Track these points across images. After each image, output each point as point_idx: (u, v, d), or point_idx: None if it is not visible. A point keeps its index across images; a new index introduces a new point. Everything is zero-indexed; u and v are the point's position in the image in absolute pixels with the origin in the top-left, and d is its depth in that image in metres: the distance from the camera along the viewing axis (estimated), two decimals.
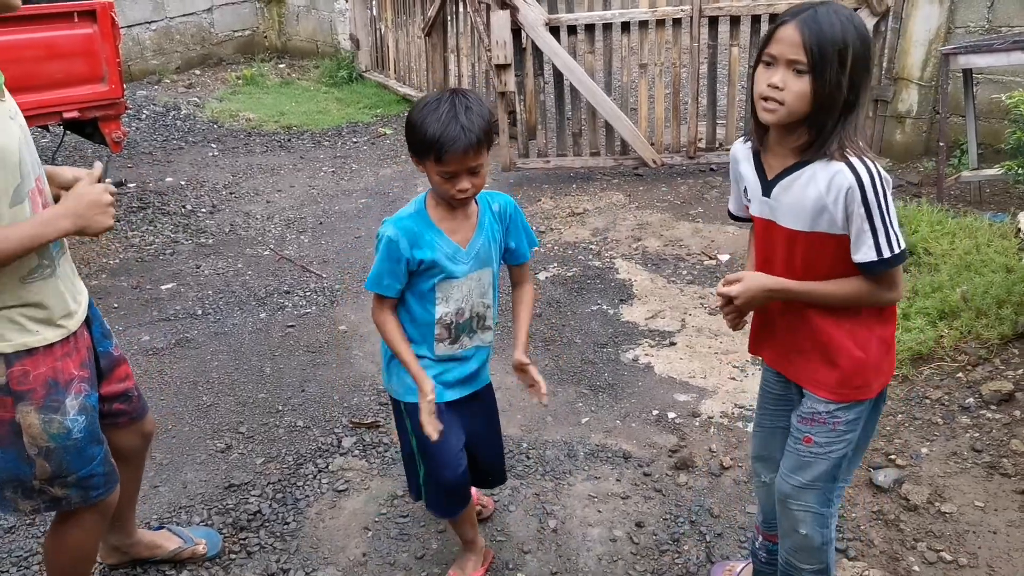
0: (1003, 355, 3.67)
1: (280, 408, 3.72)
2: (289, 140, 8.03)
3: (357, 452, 3.39)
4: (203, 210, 6.23)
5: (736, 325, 2.16)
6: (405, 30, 8.90)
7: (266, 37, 11.51)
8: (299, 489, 3.18)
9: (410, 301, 2.39)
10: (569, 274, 4.97)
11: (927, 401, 3.52)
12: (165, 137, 8.02)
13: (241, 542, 2.91)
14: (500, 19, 6.17)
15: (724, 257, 5.04)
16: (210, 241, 5.68)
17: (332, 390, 3.85)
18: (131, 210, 6.12)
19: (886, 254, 1.89)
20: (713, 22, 6.20)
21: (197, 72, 10.57)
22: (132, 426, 2.50)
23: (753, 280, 2.04)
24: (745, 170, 2.09)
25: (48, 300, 2.07)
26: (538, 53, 6.45)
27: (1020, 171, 4.57)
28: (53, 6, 5.34)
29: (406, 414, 2.50)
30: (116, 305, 4.71)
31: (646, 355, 4.07)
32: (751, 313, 2.16)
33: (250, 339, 4.35)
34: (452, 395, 2.48)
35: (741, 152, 2.12)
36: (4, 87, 2.02)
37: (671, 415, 3.58)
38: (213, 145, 7.85)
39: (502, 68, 6.32)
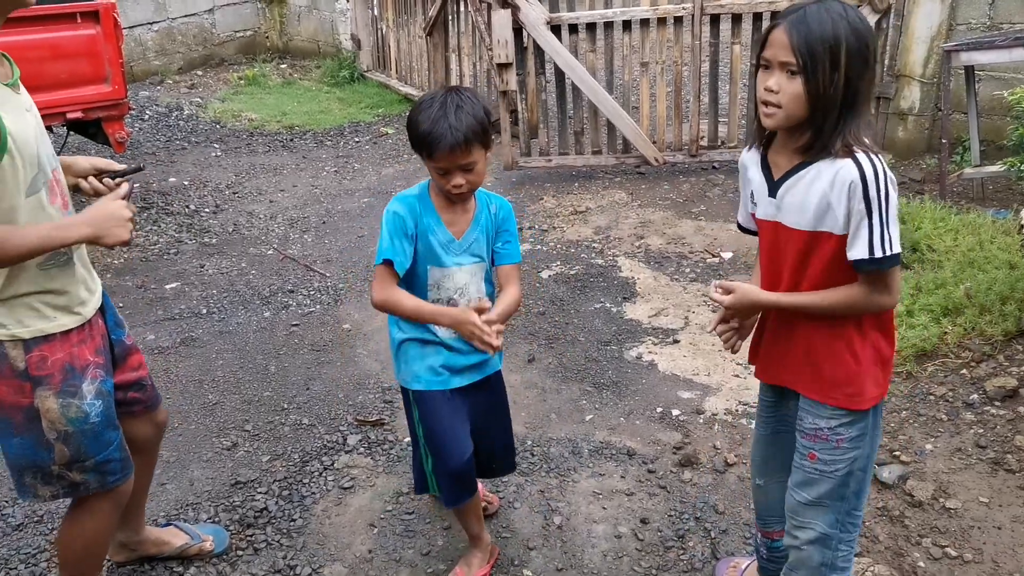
0: (1007, 351, 3.67)
1: (285, 406, 3.73)
2: (291, 140, 8.04)
3: (362, 450, 3.40)
4: (207, 210, 6.24)
5: (734, 348, 2.19)
6: (406, 30, 8.91)
7: (268, 37, 11.52)
8: (305, 486, 3.19)
9: (405, 285, 2.41)
10: (572, 272, 4.98)
11: (931, 397, 3.53)
12: (168, 137, 8.03)
13: (248, 539, 2.93)
14: (501, 18, 6.18)
15: (727, 255, 5.05)
16: (214, 241, 5.69)
17: (337, 388, 3.87)
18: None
19: (878, 254, 1.86)
20: (715, 20, 6.21)
21: (199, 73, 10.58)
22: (147, 415, 2.54)
23: (745, 295, 2.04)
24: (753, 174, 2.08)
25: (65, 287, 2.13)
26: (539, 52, 6.46)
27: (1023, 167, 4.58)
28: (56, 7, 5.35)
29: (414, 402, 2.53)
30: (121, 304, 4.72)
31: (650, 353, 4.08)
32: (749, 336, 2.19)
33: (255, 338, 4.36)
34: (460, 381, 2.50)
35: (749, 158, 2.11)
36: (20, 81, 2.08)
37: (675, 412, 3.59)
38: (216, 145, 7.87)
39: (504, 67, 6.33)
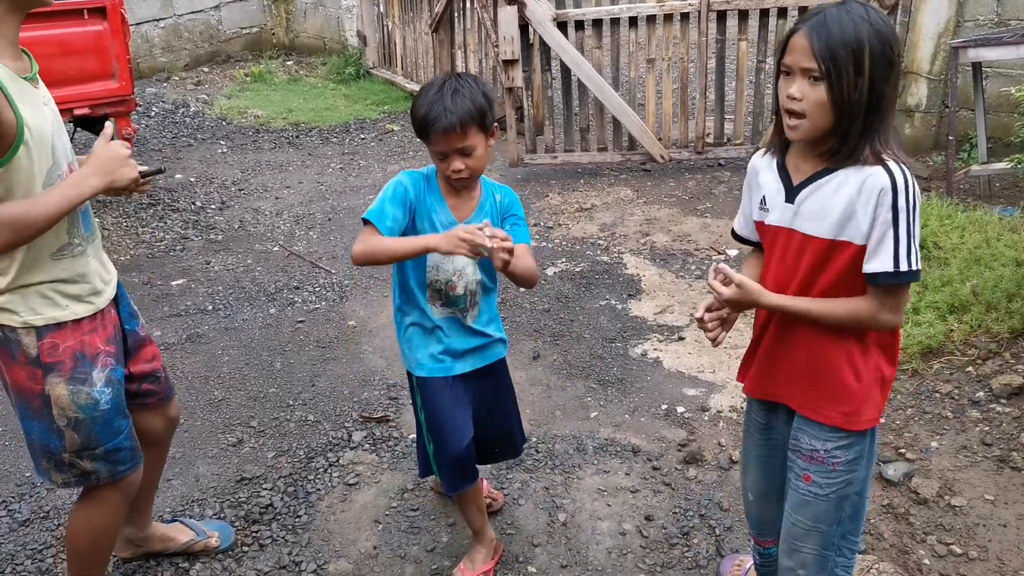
0: (1013, 349, 3.66)
1: (291, 403, 3.74)
2: (297, 137, 8.05)
3: (367, 446, 3.40)
4: (212, 206, 6.25)
5: (718, 341, 2.10)
6: (412, 26, 8.91)
7: (274, 34, 11.53)
8: (310, 483, 3.20)
9: (406, 263, 2.42)
10: (577, 269, 4.98)
11: (937, 395, 3.52)
12: (174, 134, 8.05)
13: (253, 535, 2.93)
14: (507, 15, 6.18)
15: (733, 252, 5.04)
16: (220, 237, 5.70)
17: (342, 385, 3.87)
18: (141, 207, 6.14)
19: (903, 267, 1.80)
20: (721, 16, 6.20)
21: (205, 69, 10.60)
22: (160, 408, 2.57)
23: (749, 292, 1.93)
24: (766, 179, 2.01)
25: (77, 276, 2.16)
26: (545, 49, 6.45)
27: None
28: (64, 3, 5.37)
29: (417, 387, 2.55)
30: None
31: (655, 350, 4.08)
32: (730, 332, 2.12)
33: (260, 334, 4.37)
34: (463, 368, 2.51)
35: (761, 163, 2.04)
36: (38, 76, 2.12)
37: (680, 409, 3.59)
38: (222, 142, 7.88)
39: (509, 64, 6.32)
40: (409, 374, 2.59)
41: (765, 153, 2.04)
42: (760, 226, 2.07)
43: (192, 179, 6.83)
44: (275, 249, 5.49)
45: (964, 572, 2.67)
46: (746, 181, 2.12)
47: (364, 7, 9.79)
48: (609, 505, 3.03)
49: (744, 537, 2.85)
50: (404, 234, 2.37)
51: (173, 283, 5.00)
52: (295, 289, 4.88)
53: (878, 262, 1.82)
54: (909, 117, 6.30)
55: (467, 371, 2.53)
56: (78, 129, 6.20)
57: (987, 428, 3.28)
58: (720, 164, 6.58)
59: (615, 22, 6.32)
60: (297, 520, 3.00)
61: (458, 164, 2.30)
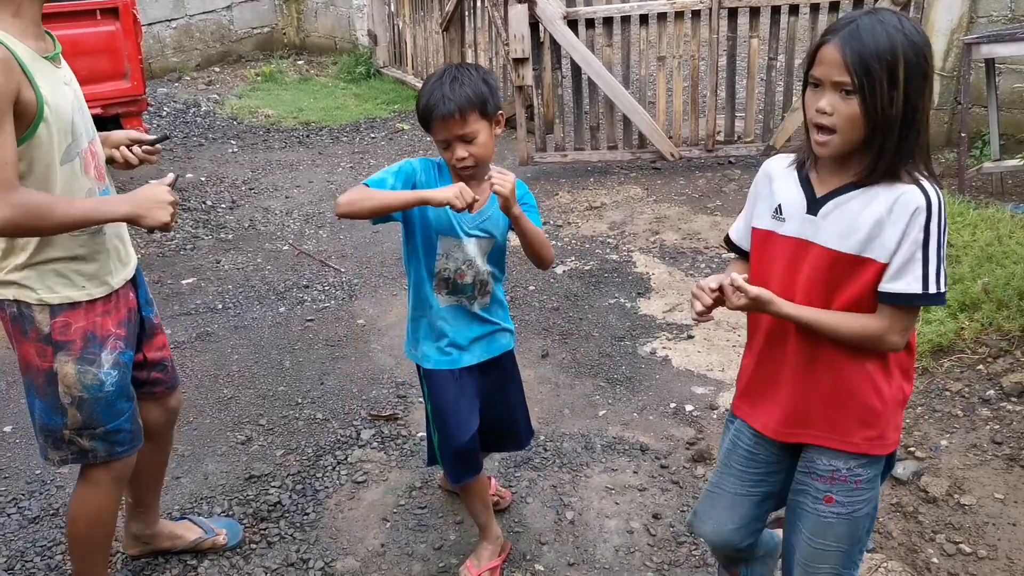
0: None
1: (299, 401, 3.75)
2: (307, 136, 8.07)
3: (376, 444, 3.41)
4: (223, 206, 6.28)
5: (704, 316, 1.89)
6: (423, 25, 8.92)
7: (284, 34, 11.57)
8: (318, 480, 3.20)
9: (417, 251, 2.43)
10: (587, 268, 4.97)
11: (947, 393, 3.50)
12: (185, 134, 8.08)
13: (261, 532, 2.94)
14: (518, 13, 6.18)
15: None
16: (230, 236, 5.72)
17: (351, 383, 3.88)
18: None
19: (932, 289, 1.74)
20: (732, 14, 6.17)
21: (217, 69, 10.64)
22: (164, 398, 2.59)
23: (760, 301, 1.82)
24: (782, 187, 1.92)
25: (94, 255, 2.21)
26: (556, 47, 6.44)
27: None
28: (76, 4, 5.40)
29: (423, 379, 2.56)
30: None
31: (664, 348, 4.07)
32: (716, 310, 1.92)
33: (270, 333, 4.38)
34: (469, 360, 2.52)
35: (777, 169, 1.95)
36: (61, 56, 2.18)
37: (689, 408, 3.58)
38: (233, 142, 7.91)
39: (520, 62, 6.32)
40: (417, 367, 2.60)
41: (791, 164, 1.93)
42: (765, 235, 1.96)
43: (203, 178, 6.86)
44: (285, 248, 5.50)
45: (973, 571, 2.65)
46: (754, 186, 2.02)
47: (375, 6, 9.81)
48: (617, 503, 3.03)
49: None
50: (406, 222, 2.39)
51: (183, 282, 5.02)
52: (304, 288, 4.89)
53: (903, 283, 1.75)
54: None
55: (474, 363, 2.53)
56: None
57: (997, 427, 3.26)
58: (731, 162, 6.56)
59: (626, 20, 6.30)
60: (305, 518, 3.01)
61: (461, 152, 2.30)
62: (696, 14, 6.20)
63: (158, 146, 2.34)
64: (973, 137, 5.82)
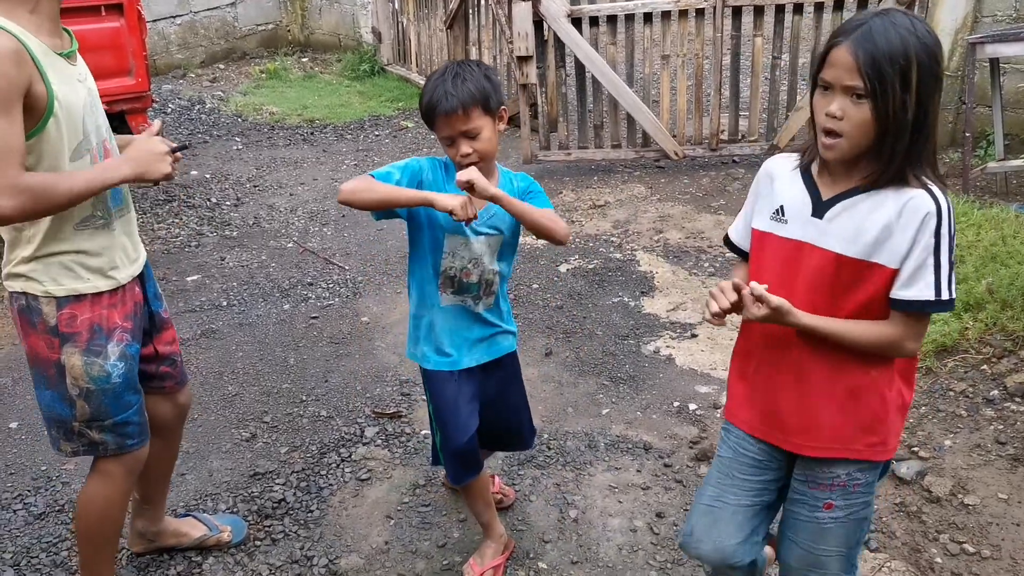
0: None
1: (304, 398, 3.76)
2: (312, 133, 8.08)
3: (380, 442, 3.42)
4: (228, 203, 6.29)
5: (718, 318, 1.83)
6: (427, 23, 8.92)
7: (289, 31, 11.56)
8: (323, 478, 3.21)
9: (423, 249, 2.43)
10: (590, 266, 4.97)
11: (951, 393, 3.50)
12: (190, 131, 8.09)
13: (266, 529, 2.95)
14: (522, 11, 6.18)
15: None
16: (234, 233, 5.73)
17: (355, 380, 3.89)
18: (157, 203, 6.18)
19: (944, 296, 1.73)
20: (736, 12, 6.17)
21: (221, 66, 10.64)
22: (173, 393, 2.61)
23: (780, 313, 1.76)
24: (784, 187, 1.89)
25: (99, 249, 2.22)
26: (560, 45, 6.44)
27: None
28: (81, 0, 5.40)
29: (425, 379, 2.57)
30: None
31: (667, 347, 4.08)
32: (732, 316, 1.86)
33: (274, 330, 4.39)
34: (470, 361, 2.51)
35: (780, 169, 1.92)
36: (77, 52, 2.21)
37: (692, 406, 3.58)
38: (237, 139, 7.91)
39: (524, 60, 6.32)
40: (420, 368, 2.61)
41: (795, 167, 1.90)
42: (765, 236, 1.93)
43: (207, 175, 6.87)
44: (289, 245, 5.51)
45: (977, 571, 2.66)
46: (755, 185, 1.99)
47: (379, 4, 9.81)
48: (620, 502, 3.03)
49: None
50: (411, 219, 2.40)
51: (188, 279, 5.03)
52: (309, 285, 4.90)
53: (916, 290, 1.74)
54: None
55: (474, 365, 2.53)
56: None
57: (1001, 427, 3.26)
58: (734, 161, 6.56)
59: (630, 18, 6.30)
60: (309, 515, 3.02)
61: (465, 148, 2.30)
62: (700, 12, 6.18)
63: (178, 154, 2.35)
64: (977, 137, 5.81)
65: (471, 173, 2.17)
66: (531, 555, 2.81)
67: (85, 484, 2.42)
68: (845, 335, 1.80)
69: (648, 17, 6.34)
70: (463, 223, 2.27)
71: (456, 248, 2.41)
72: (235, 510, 3.05)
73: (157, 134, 2.27)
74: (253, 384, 3.89)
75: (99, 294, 2.23)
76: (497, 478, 3.05)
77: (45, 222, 2.13)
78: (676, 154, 6.42)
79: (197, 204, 6.22)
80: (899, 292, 1.76)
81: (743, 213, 2.05)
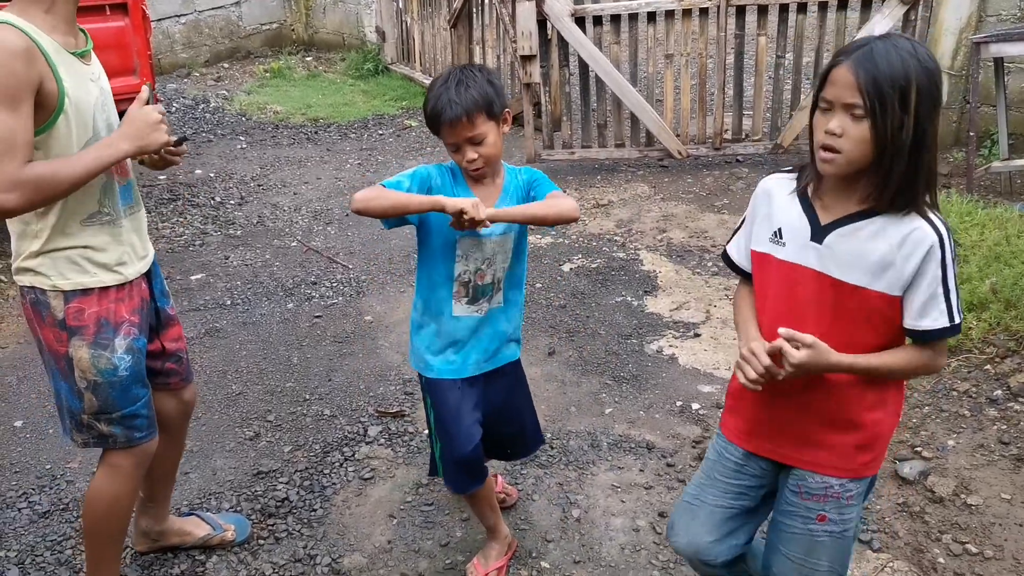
0: None
1: (307, 397, 3.77)
2: (316, 132, 8.09)
3: (383, 441, 3.43)
4: (232, 202, 6.30)
5: (756, 384, 1.82)
6: (431, 22, 8.93)
7: (293, 30, 11.58)
8: (326, 477, 3.22)
9: (435, 254, 2.42)
10: (593, 265, 4.98)
11: (954, 393, 3.50)
12: (194, 130, 8.11)
13: (269, 528, 2.96)
14: (526, 10, 6.18)
15: None
16: (239, 232, 5.74)
17: (358, 379, 3.90)
18: (161, 202, 6.20)
19: (957, 320, 1.77)
20: (740, 11, 6.17)
21: (225, 65, 10.66)
22: (178, 390, 2.63)
23: (820, 355, 1.75)
24: (782, 208, 1.90)
25: (106, 245, 2.25)
26: (563, 44, 6.45)
27: None
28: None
29: (426, 388, 2.56)
30: None
31: (670, 346, 4.08)
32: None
33: (278, 329, 4.40)
34: (474, 370, 2.51)
35: (778, 188, 1.93)
36: (92, 52, 2.24)
37: (695, 406, 3.59)
38: (241, 138, 7.93)
39: (527, 59, 6.32)
40: (420, 376, 2.59)
41: (792, 189, 1.90)
42: (765, 258, 1.94)
43: (212, 175, 6.88)
44: (293, 244, 5.52)
45: (979, 571, 2.65)
46: (753, 204, 1.99)
47: (383, 3, 9.82)
48: (623, 501, 3.04)
49: (757, 533, 2.84)
50: (422, 225, 2.39)
51: (192, 278, 5.04)
52: (313, 284, 4.91)
53: (931, 319, 1.77)
54: None
55: (478, 374, 2.52)
56: None
57: (1004, 427, 3.26)
58: (738, 160, 6.56)
59: (633, 17, 6.30)
60: (312, 514, 3.03)
61: (471, 154, 2.31)
62: (704, 12, 6.18)
63: (183, 147, 2.36)
64: (982, 136, 5.80)
65: (481, 212, 2.17)
66: (534, 554, 2.82)
67: (94, 478, 2.43)
68: (881, 368, 1.82)
69: (652, 16, 6.34)
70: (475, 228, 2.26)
71: (469, 251, 2.40)
72: (239, 509, 3.06)
73: (147, 102, 2.26)
74: (257, 383, 3.90)
75: (106, 288, 2.26)
76: (500, 477, 3.06)
77: (51, 218, 2.15)
78: (680, 153, 6.42)
79: (201, 203, 6.24)
80: (915, 323, 1.79)
81: (742, 232, 2.05)
